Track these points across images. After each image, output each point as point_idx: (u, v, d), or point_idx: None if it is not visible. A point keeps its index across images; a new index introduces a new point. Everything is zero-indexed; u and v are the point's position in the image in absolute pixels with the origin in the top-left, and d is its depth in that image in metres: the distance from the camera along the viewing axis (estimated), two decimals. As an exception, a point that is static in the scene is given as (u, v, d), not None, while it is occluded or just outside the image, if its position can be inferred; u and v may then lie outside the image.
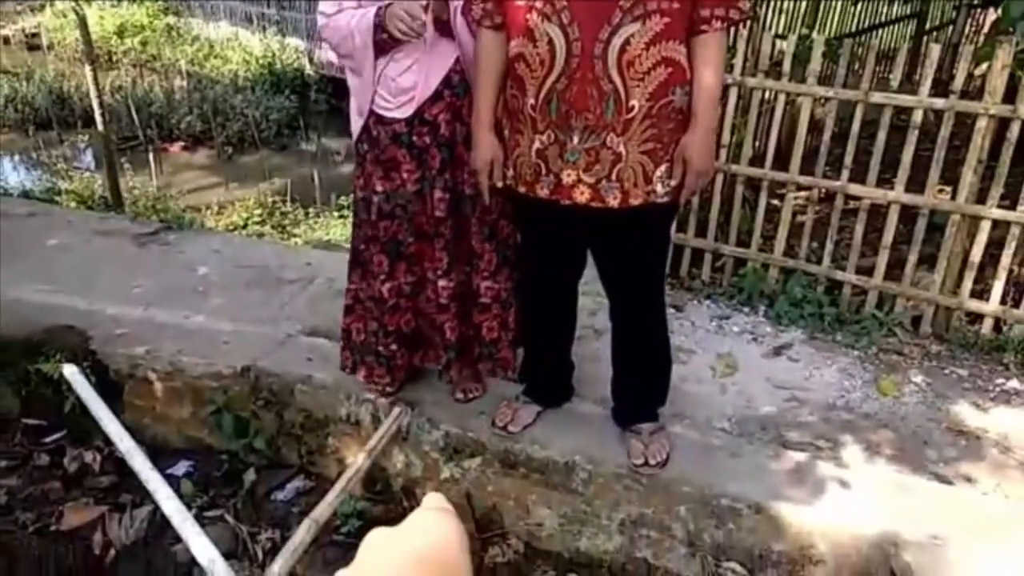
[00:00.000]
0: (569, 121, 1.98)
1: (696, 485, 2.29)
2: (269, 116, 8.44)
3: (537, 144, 2.04)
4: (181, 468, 2.83)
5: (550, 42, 1.94)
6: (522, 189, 2.12)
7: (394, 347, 2.48)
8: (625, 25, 1.88)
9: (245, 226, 5.77)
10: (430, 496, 0.62)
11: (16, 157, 7.89)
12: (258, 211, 5.95)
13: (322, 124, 8.81)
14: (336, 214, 6.00)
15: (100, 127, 4.90)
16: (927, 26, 7.49)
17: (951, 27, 7.78)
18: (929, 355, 2.96)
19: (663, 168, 2.01)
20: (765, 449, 2.44)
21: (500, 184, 2.18)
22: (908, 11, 7.29)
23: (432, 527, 0.55)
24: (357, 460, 2.43)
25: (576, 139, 1.99)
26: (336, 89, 8.82)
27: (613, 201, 2.03)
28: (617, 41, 1.89)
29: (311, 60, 9.82)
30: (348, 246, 2.56)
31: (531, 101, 2.01)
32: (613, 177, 2.00)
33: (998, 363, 2.89)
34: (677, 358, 2.61)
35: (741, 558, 2.26)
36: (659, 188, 2.03)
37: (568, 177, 2.03)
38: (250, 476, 2.77)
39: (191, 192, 6.93)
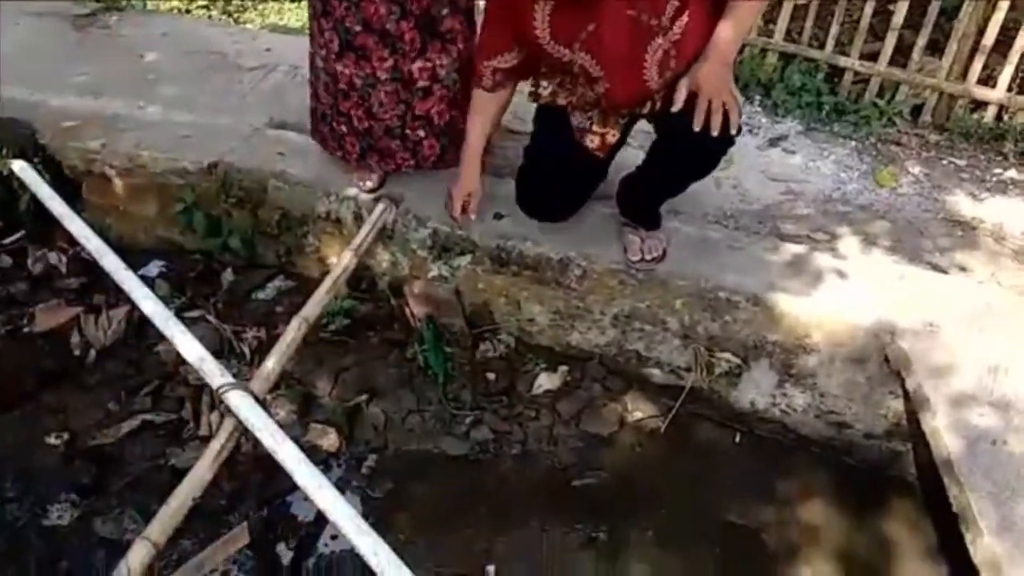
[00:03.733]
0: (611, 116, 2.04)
1: (693, 278, 2.25)
2: None
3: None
4: (154, 269, 2.71)
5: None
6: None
7: (344, 129, 2.37)
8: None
9: (188, 12, 5.23)
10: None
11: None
12: (200, -6, 5.38)
13: None
14: (289, -1, 5.46)
15: None
16: None
17: None
18: (928, 145, 2.88)
19: None
20: (762, 242, 2.39)
21: (474, 216, 2.29)
22: None
23: None
24: (343, 258, 2.32)
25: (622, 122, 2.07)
26: None
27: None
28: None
29: None
30: (308, 33, 2.32)
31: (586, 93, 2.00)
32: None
33: (997, 153, 2.83)
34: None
35: (735, 348, 2.27)
36: None
37: (611, 137, 2.09)
38: (228, 276, 2.67)
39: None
